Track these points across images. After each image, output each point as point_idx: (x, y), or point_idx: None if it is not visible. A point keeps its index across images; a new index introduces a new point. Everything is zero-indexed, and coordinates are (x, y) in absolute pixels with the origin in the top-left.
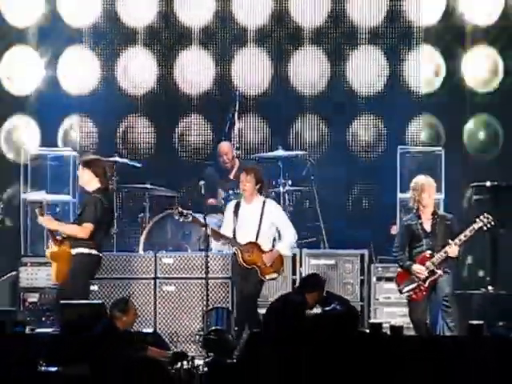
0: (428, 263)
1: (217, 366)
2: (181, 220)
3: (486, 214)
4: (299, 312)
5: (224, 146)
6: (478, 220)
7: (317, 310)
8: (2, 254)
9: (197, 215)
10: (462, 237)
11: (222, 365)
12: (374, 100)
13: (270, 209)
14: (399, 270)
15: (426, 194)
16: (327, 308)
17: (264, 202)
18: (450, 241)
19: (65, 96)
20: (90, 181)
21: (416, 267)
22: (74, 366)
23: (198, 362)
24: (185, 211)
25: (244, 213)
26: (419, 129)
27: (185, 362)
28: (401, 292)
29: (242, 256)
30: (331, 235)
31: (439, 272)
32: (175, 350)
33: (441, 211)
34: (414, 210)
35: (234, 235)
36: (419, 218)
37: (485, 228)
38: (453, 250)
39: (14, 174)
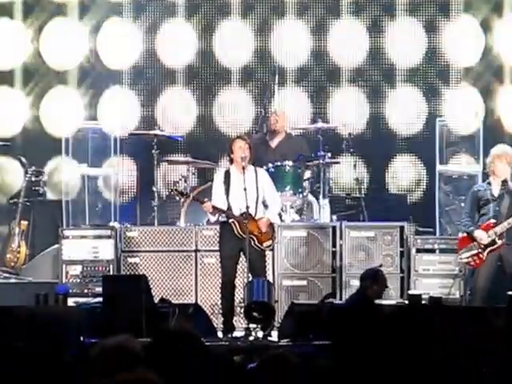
0: (491, 232)
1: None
2: (182, 200)
3: None
4: None
5: (280, 111)
6: None
7: None
8: (45, 227)
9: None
10: None
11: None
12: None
13: (263, 177)
14: (462, 235)
15: (501, 164)
16: None
17: (256, 171)
18: None
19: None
20: None
21: (478, 233)
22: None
23: (240, 333)
24: (184, 191)
25: (238, 182)
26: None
27: None
28: (460, 258)
29: (239, 227)
30: (370, 208)
31: (499, 242)
32: (217, 321)
33: None
34: (488, 179)
35: (229, 206)
36: (489, 184)
37: None
38: None
39: (56, 148)
